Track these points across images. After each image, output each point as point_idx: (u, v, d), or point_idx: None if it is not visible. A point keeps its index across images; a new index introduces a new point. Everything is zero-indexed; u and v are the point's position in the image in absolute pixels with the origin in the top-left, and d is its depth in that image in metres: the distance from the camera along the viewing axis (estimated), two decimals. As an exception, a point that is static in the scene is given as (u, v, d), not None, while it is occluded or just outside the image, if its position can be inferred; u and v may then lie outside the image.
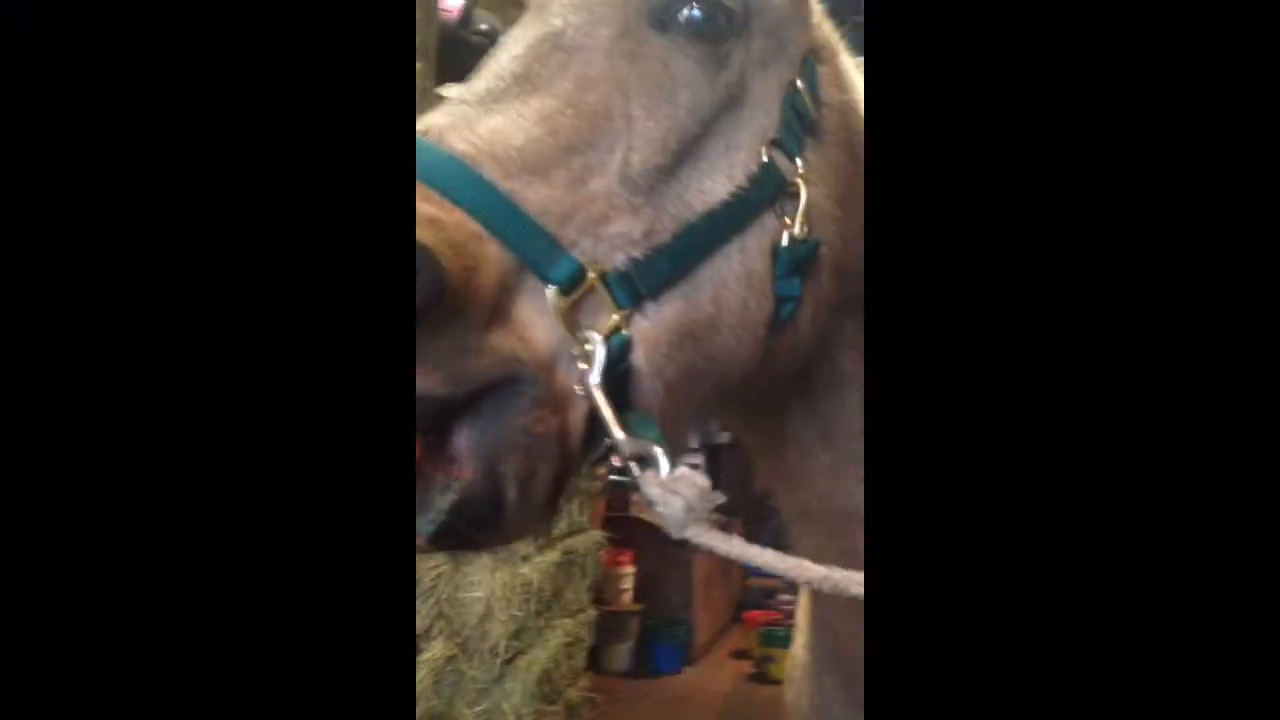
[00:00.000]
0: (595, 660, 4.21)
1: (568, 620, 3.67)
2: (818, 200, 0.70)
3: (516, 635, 3.26)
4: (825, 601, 0.92)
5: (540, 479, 0.58)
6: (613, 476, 0.63)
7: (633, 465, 0.58)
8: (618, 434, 0.57)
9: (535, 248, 0.58)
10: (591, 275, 0.60)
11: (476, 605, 3.19)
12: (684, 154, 0.66)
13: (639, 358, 0.62)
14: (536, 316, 0.58)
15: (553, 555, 3.51)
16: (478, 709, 3.14)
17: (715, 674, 5.27)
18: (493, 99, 0.62)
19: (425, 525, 0.54)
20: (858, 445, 0.73)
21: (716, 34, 0.67)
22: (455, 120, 0.61)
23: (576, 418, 0.60)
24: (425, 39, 3.56)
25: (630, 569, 5.22)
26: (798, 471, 0.84)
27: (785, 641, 5.17)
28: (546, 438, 0.58)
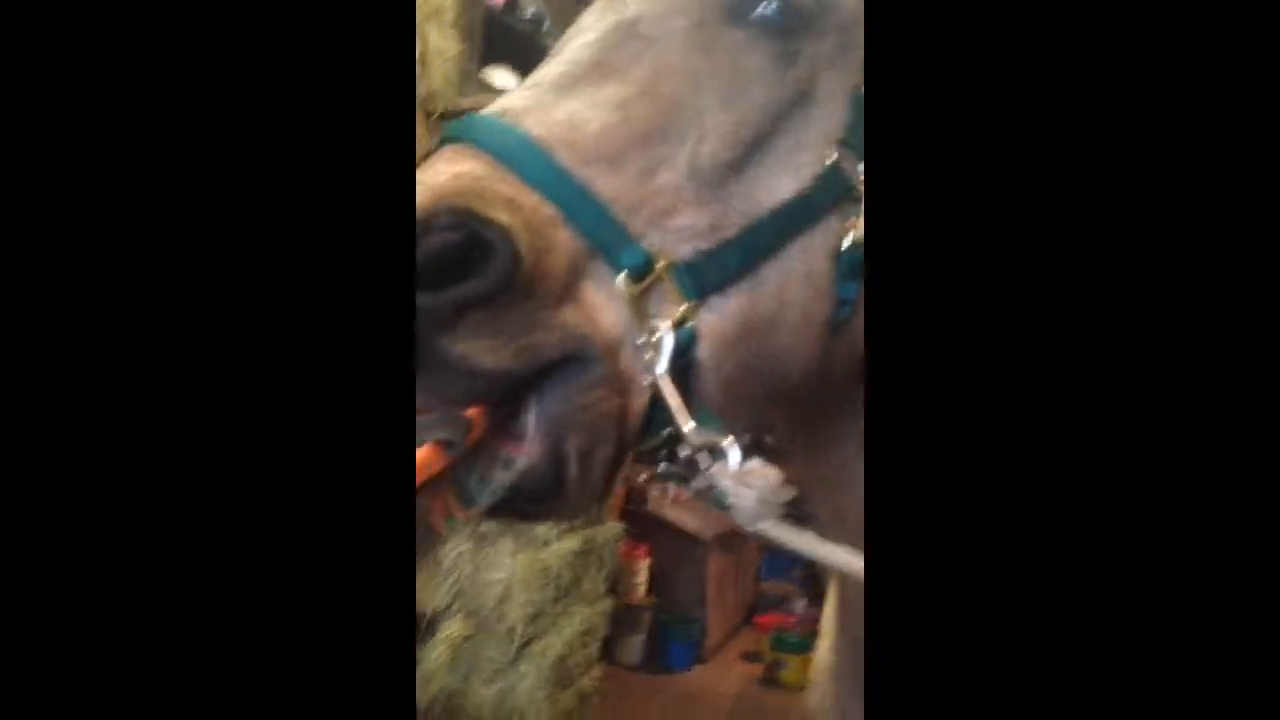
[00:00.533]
0: (607, 651, 4.22)
1: (584, 609, 3.67)
2: None
3: (534, 620, 3.27)
4: (855, 606, 0.92)
5: (599, 458, 0.58)
6: (662, 466, 0.65)
7: (700, 456, 0.58)
8: (686, 424, 0.58)
9: (607, 235, 0.59)
10: (660, 265, 0.60)
11: (496, 587, 3.21)
12: (753, 149, 0.66)
13: (703, 350, 0.62)
14: (605, 301, 0.59)
15: (572, 543, 3.51)
16: (493, 689, 3.16)
17: (726, 674, 5.25)
18: (568, 84, 0.63)
19: (485, 497, 0.55)
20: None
21: (789, 30, 0.68)
22: (531, 104, 0.61)
23: (637, 403, 0.60)
24: (471, 20, 3.59)
25: (645, 563, 5.22)
26: (840, 476, 0.84)
27: (797, 647, 5.15)
28: (608, 418, 0.58)
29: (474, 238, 0.52)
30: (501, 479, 0.55)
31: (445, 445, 0.51)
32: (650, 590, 5.26)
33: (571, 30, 0.70)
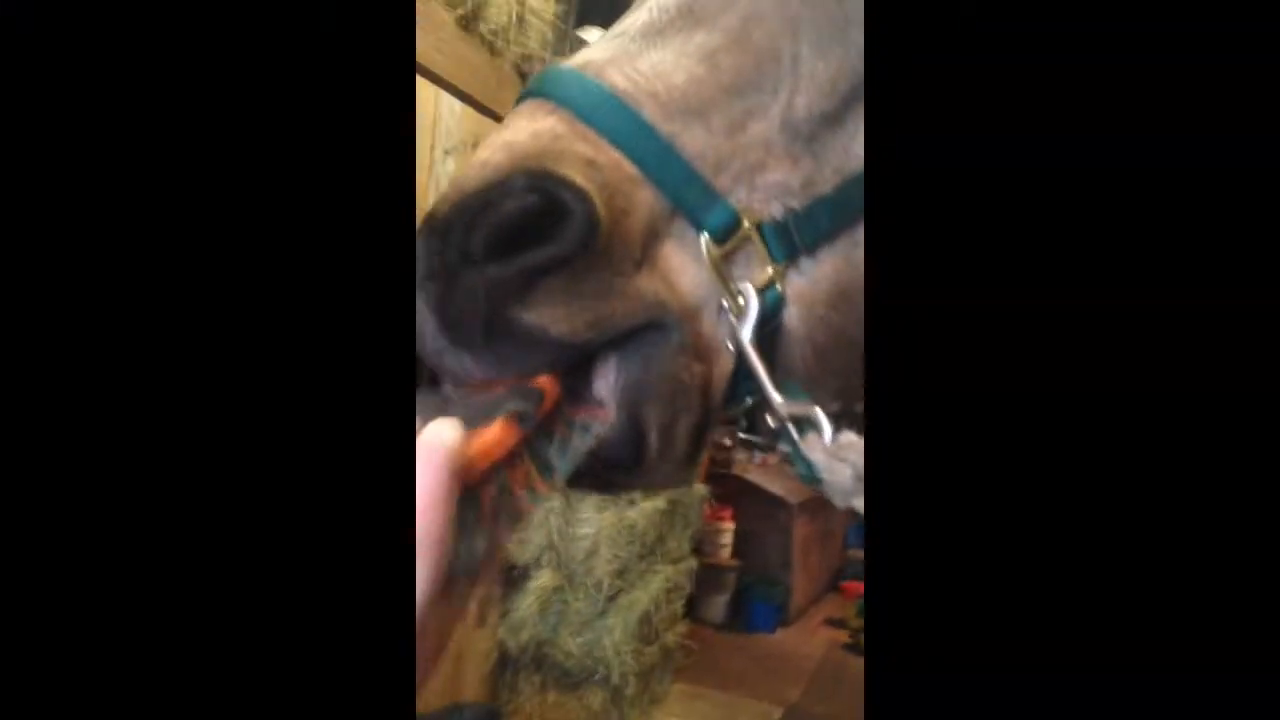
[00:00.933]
0: (692, 609, 4.29)
1: (669, 567, 3.74)
2: None
3: (620, 574, 3.36)
4: None
5: (681, 428, 0.56)
6: (743, 436, 0.61)
7: (790, 427, 0.55)
8: (774, 394, 0.55)
9: (691, 194, 0.56)
10: (747, 225, 0.57)
11: (584, 541, 3.30)
12: (852, 100, 0.61)
13: (791, 316, 0.59)
14: (686, 263, 0.56)
15: (658, 503, 3.57)
16: (580, 640, 3.28)
17: (809, 639, 5.26)
18: (655, 32, 0.59)
19: (565, 465, 0.52)
20: None
21: None
22: (616, 54, 0.58)
23: (721, 370, 0.57)
24: (568, -19, 3.57)
25: (730, 525, 5.25)
26: None
27: (886, 613, 5.08)
28: (689, 387, 0.56)
29: (550, 200, 0.50)
30: (580, 445, 0.53)
31: (518, 419, 0.49)
32: (735, 552, 5.29)
33: None
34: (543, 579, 3.33)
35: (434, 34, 2.86)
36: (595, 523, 3.29)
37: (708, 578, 4.76)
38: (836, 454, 0.54)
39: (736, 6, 0.60)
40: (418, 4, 2.80)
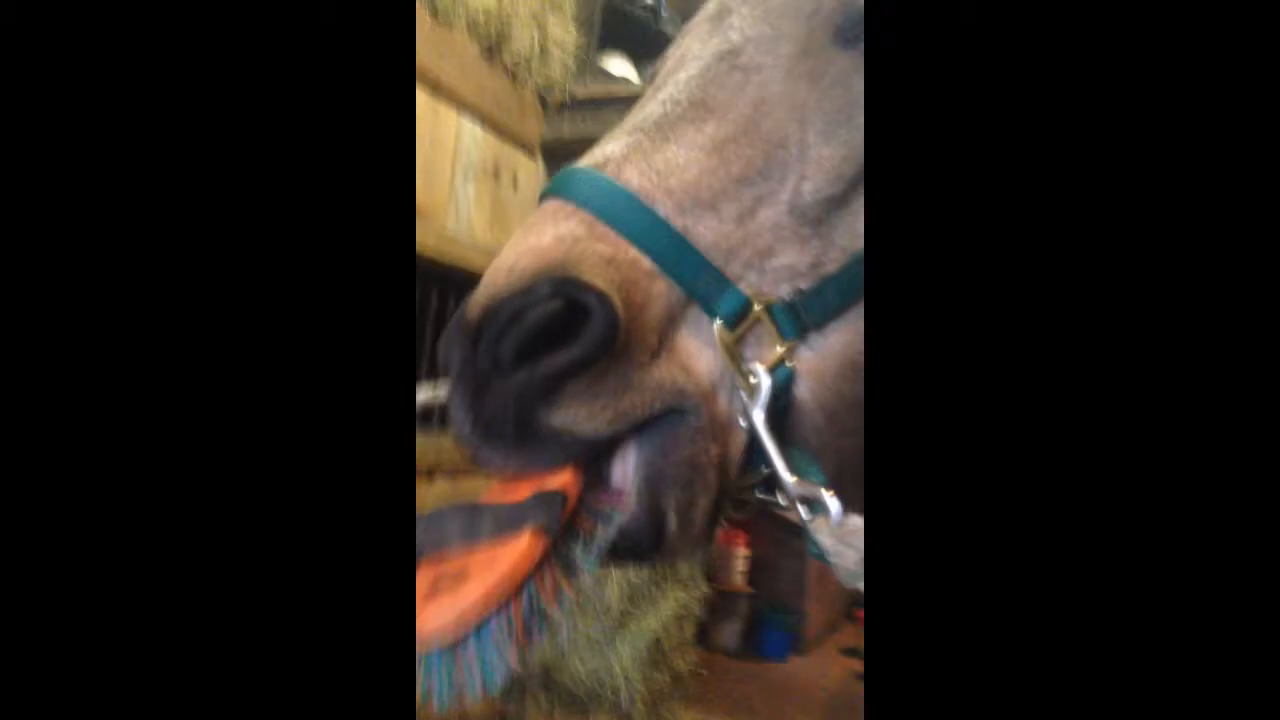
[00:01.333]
0: (704, 636, 4.25)
1: (680, 592, 3.72)
2: None
3: (631, 599, 3.35)
4: None
5: (699, 508, 0.58)
6: (760, 496, 0.64)
7: (801, 508, 0.57)
8: (786, 476, 0.57)
9: (704, 283, 0.58)
10: (757, 308, 0.59)
11: (595, 565, 3.30)
12: (858, 181, 0.63)
13: (802, 390, 0.61)
14: (701, 348, 0.59)
15: (671, 527, 3.56)
16: (589, 664, 3.27)
17: (823, 668, 5.18)
18: (669, 125, 0.62)
19: (589, 564, 0.54)
20: None
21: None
22: (630, 151, 0.61)
23: (736, 447, 0.60)
24: (591, 12, 3.63)
25: (744, 551, 5.22)
26: None
27: (901, 645, 4.97)
28: (707, 468, 0.58)
29: (573, 304, 0.53)
30: (603, 537, 0.55)
31: (544, 530, 0.51)
32: (749, 579, 5.25)
33: (674, 56, 0.69)
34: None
35: (457, 61, 2.93)
36: (606, 546, 3.29)
37: (721, 604, 4.72)
38: (843, 538, 0.56)
39: (747, 94, 0.63)
40: (443, 33, 2.87)
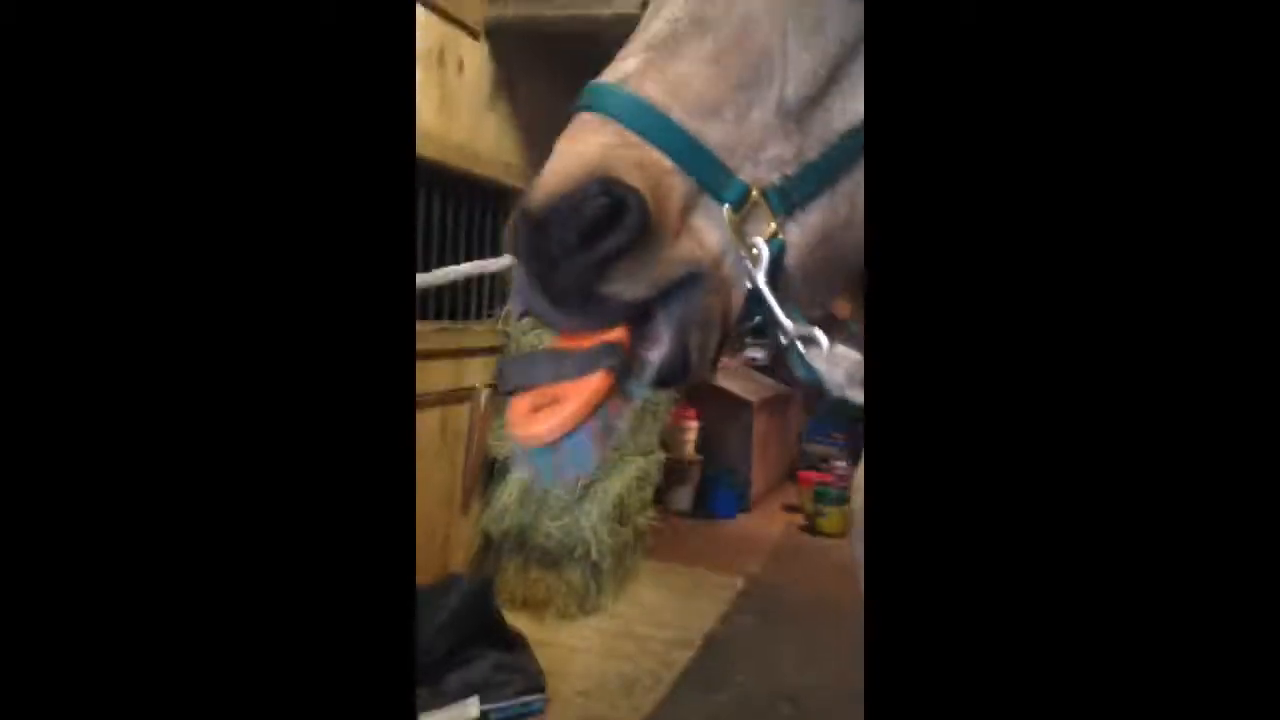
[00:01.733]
0: (660, 501, 4.63)
1: (640, 458, 4.04)
2: None
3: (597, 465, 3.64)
4: None
5: (711, 345, 0.75)
6: (750, 341, 0.84)
7: (799, 344, 0.76)
8: (785, 321, 0.75)
9: (713, 176, 0.73)
10: (755, 194, 0.74)
11: (561, 436, 3.55)
12: (829, 82, 0.78)
13: (790, 256, 0.77)
14: (712, 228, 0.73)
15: (630, 399, 3.83)
16: (559, 523, 3.59)
17: (769, 522, 5.71)
18: (674, 42, 0.75)
19: (639, 391, 0.72)
20: None
21: None
22: (646, 66, 0.73)
23: (738, 300, 0.76)
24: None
25: (694, 424, 5.58)
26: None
27: (836, 499, 5.52)
28: (718, 317, 0.74)
29: (616, 200, 0.66)
30: (647, 375, 0.73)
31: (614, 369, 0.69)
32: (699, 449, 5.66)
33: None
34: (521, 471, 3.59)
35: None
36: (571, 418, 3.52)
37: (674, 471, 5.11)
38: (832, 361, 0.77)
39: (735, 12, 0.76)
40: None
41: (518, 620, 3.27)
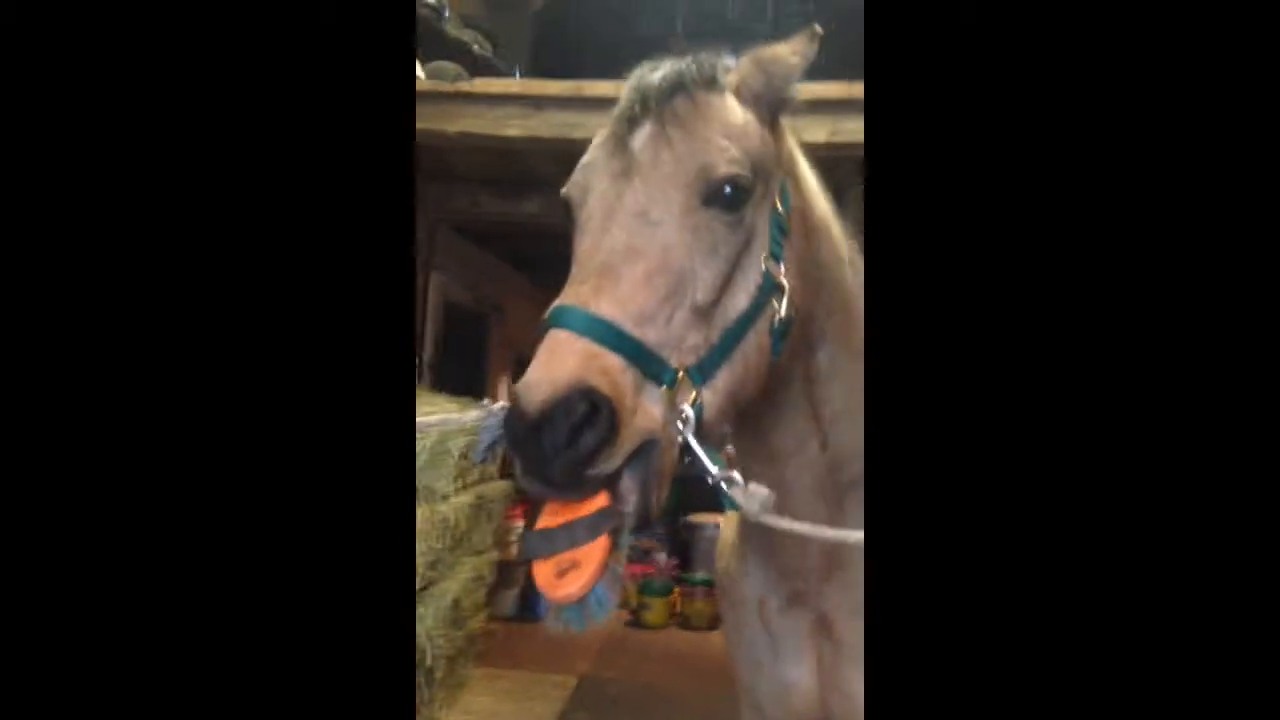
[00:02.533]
0: (488, 602, 4.57)
1: (474, 558, 4.02)
2: (793, 283, 1.16)
3: (432, 566, 3.58)
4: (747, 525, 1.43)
5: (665, 491, 0.99)
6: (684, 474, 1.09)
7: (722, 485, 1.03)
8: (711, 468, 1.01)
9: (654, 367, 0.98)
10: (681, 374, 1.01)
11: (399, 537, 3.46)
12: (723, 288, 1.08)
13: (707, 415, 1.04)
14: (655, 403, 0.98)
15: (467, 498, 3.85)
16: (395, 629, 3.45)
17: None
18: (615, 267, 1.00)
19: (624, 542, 0.94)
20: (809, 428, 1.25)
21: (738, 201, 1.09)
22: (597, 291, 0.98)
23: (675, 452, 1.01)
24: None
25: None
26: (776, 454, 1.32)
27: (660, 591, 5.77)
28: (667, 468, 0.99)
29: (593, 405, 0.88)
30: (628, 525, 0.94)
31: (612, 530, 0.90)
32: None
33: (595, 204, 1.06)
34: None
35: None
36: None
37: (501, 573, 5.06)
38: (750, 494, 1.04)
39: (657, 241, 1.03)
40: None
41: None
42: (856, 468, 1.26)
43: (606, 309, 0.98)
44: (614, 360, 0.96)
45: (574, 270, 1.06)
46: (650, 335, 1.00)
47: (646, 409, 0.98)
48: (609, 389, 0.92)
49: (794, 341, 1.20)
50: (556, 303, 1.01)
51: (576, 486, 0.91)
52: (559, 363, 0.92)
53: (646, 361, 0.98)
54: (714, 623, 5.30)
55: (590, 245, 1.06)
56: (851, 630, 1.34)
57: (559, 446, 0.88)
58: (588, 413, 0.89)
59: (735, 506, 1.05)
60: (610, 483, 0.95)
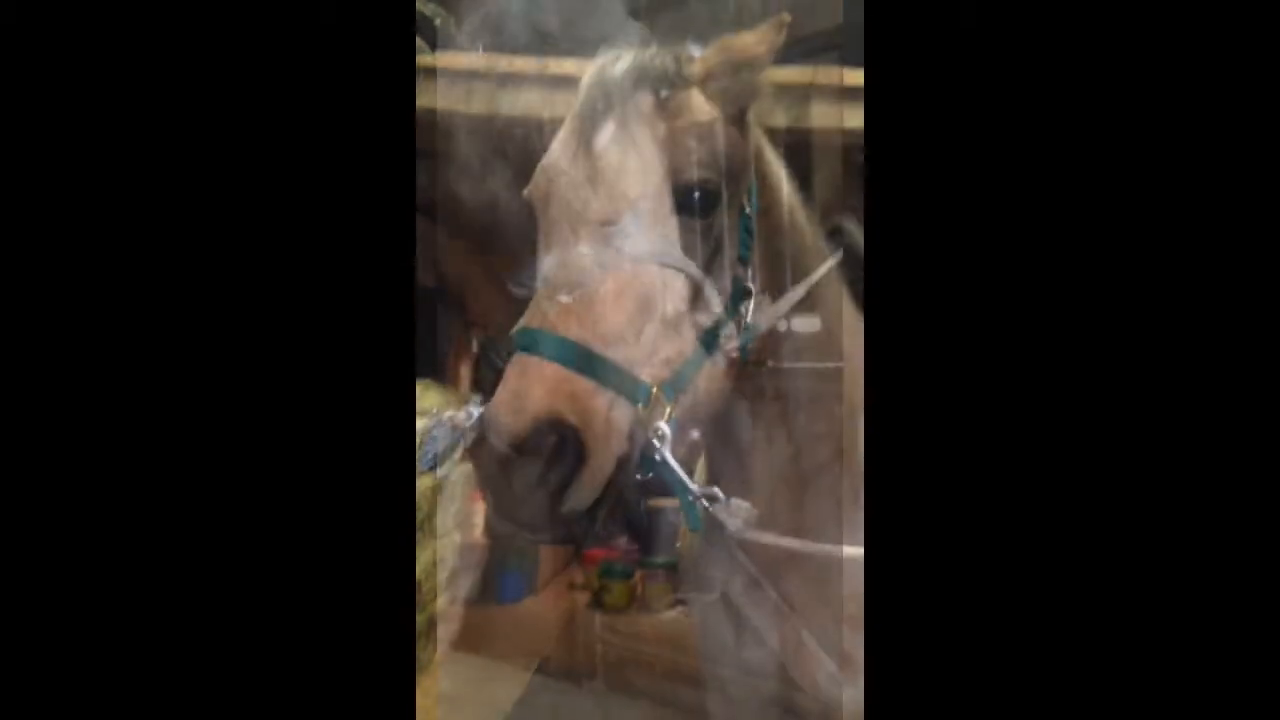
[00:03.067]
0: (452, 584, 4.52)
1: (435, 541, 3.96)
2: (760, 284, 1.17)
3: (392, 550, 3.54)
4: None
5: (636, 498, 1.01)
6: (639, 478, 1.08)
7: (702, 500, 1.05)
8: (690, 483, 1.04)
9: (626, 386, 1.03)
10: (655, 390, 1.06)
11: (357, 520, 3.39)
12: (694, 297, 1.11)
13: (681, 424, 1.06)
14: (627, 420, 1.02)
15: (428, 480, 3.79)
16: (354, 613, 3.38)
17: (555, 603, 5.76)
18: (585, 282, 1.02)
19: (618, 571, 1.04)
20: (776, 433, 1.26)
21: (709, 208, 1.10)
22: (565, 313, 0.99)
23: (634, 465, 1.04)
24: None
25: (481, 506, 5.56)
26: (741, 457, 1.35)
27: (621, 574, 5.81)
28: (634, 482, 1.01)
29: (561, 435, 0.90)
30: (625, 550, 0.97)
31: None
32: (486, 531, 5.61)
33: (559, 212, 1.05)
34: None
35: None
36: (369, 501, 3.40)
37: (461, 555, 5.02)
38: (731, 511, 1.10)
39: (624, 256, 1.05)
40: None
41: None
42: (820, 455, 1.29)
43: (574, 330, 0.99)
44: (583, 384, 0.97)
45: (539, 286, 1.07)
46: (621, 353, 1.02)
47: (618, 425, 1.00)
48: (577, 417, 0.91)
49: (760, 337, 1.19)
50: (522, 323, 1.01)
51: (547, 528, 0.87)
52: (526, 391, 0.90)
53: (617, 379, 1.00)
54: (675, 605, 5.35)
55: (556, 259, 1.06)
56: (817, 612, 1.36)
57: (529, 485, 0.88)
58: (556, 445, 0.90)
59: (698, 527, 1.07)
60: (584, 523, 0.95)
